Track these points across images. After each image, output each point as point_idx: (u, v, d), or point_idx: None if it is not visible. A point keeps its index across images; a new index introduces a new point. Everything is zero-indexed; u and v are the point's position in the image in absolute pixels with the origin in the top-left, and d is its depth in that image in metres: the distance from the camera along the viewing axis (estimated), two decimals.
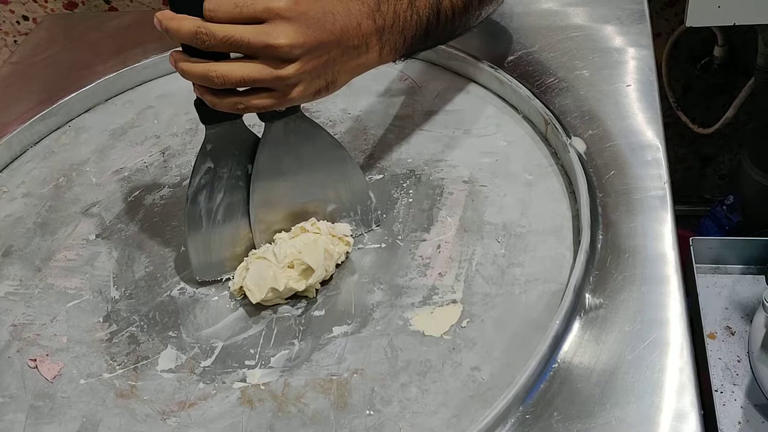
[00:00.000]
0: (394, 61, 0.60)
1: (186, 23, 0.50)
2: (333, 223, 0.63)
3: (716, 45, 1.34)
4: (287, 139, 0.59)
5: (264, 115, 0.57)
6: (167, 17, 0.50)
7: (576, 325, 0.53)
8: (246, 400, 0.53)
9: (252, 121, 0.58)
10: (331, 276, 0.60)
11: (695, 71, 1.42)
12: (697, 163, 1.61)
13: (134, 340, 0.59)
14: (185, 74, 0.52)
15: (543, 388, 0.50)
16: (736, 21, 1.01)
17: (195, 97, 0.55)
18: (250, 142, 0.59)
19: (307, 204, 0.62)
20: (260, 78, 0.51)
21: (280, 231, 0.62)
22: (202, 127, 0.80)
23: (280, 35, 0.49)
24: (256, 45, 0.49)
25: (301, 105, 0.58)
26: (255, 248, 0.62)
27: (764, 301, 0.72)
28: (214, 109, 0.54)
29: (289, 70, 0.51)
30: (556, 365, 0.51)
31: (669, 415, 0.48)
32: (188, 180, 0.59)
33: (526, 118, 0.72)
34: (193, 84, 0.53)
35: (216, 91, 0.52)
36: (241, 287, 0.59)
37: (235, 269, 0.61)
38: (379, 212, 0.65)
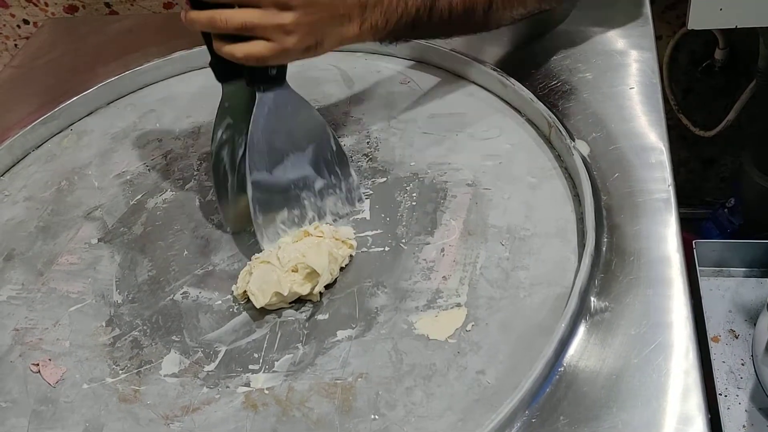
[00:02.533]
0: (379, 42, 0.63)
1: None
2: (321, 200, 0.64)
3: (717, 48, 1.34)
4: (278, 113, 0.61)
5: (257, 81, 0.60)
6: None
7: (581, 329, 0.53)
8: (250, 405, 0.53)
9: None
10: (335, 280, 0.60)
11: (696, 74, 1.42)
12: (698, 165, 1.61)
13: (137, 345, 0.58)
14: (193, 23, 0.56)
15: (549, 392, 0.50)
16: (738, 24, 1.01)
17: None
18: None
19: (297, 181, 0.63)
20: (260, 23, 0.55)
21: (278, 212, 0.63)
22: (204, 129, 0.81)
23: None
24: None
25: None
26: (258, 243, 0.62)
27: None
28: (219, 54, 0.57)
29: (287, 18, 0.55)
30: (562, 369, 0.51)
31: (675, 419, 0.48)
32: (211, 137, 0.63)
33: (529, 120, 0.72)
34: (204, 38, 0.59)
35: (220, 38, 0.57)
36: (245, 291, 0.59)
37: None
38: (361, 190, 0.67)
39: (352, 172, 0.66)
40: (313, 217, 0.64)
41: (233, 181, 0.64)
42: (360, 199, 0.67)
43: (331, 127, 0.76)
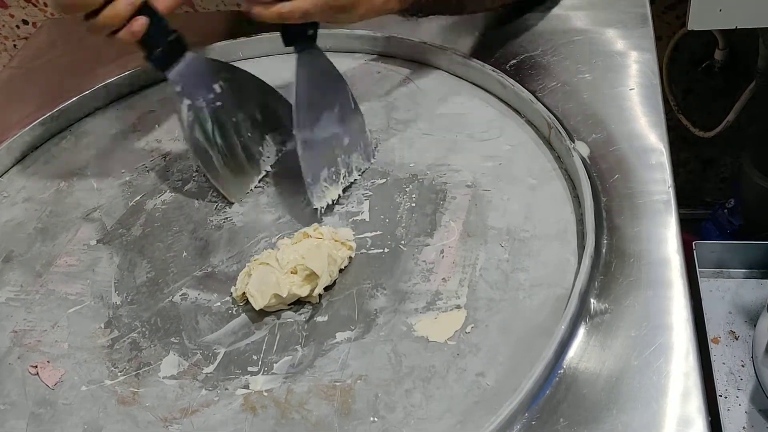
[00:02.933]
0: (405, 10, 0.66)
1: None
2: (348, 156, 0.66)
3: (717, 48, 1.34)
4: (314, 73, 0.64)
5: (297, 41, 0.63)
6: None
7: (581, 331, 0.53)
8: (249, 407, 0.53)
9: None
10: (334, 281, 0.60)
11: (696, 74, 1.42)
12: (698, 166, 1.61)
13: (136, 347, 0.58)
14: None
15: (549, 394, 0.50)
16: (738, 24, 1.01)
17: None
18: (208, 66, 0.65)
19: (332, 138, 0.65)
20: None
21: (321, 170, 0.65)
22: None
23: None
24: None
25: None
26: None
27: None
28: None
29: None
30: (562, 371, 0.51)
31: (675, 421, 0.48)
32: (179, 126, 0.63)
33: (529, 121, 0.72)
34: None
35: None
36: (244, 293, 0.59)
37: (259, 175, 0.67)
38: (374, 146, 0.70)
39: (367, 128, 0.69)
40: (345, 174, 0.67)
41: (216, 154, 0.66)
42: (373, 155, 0.70)
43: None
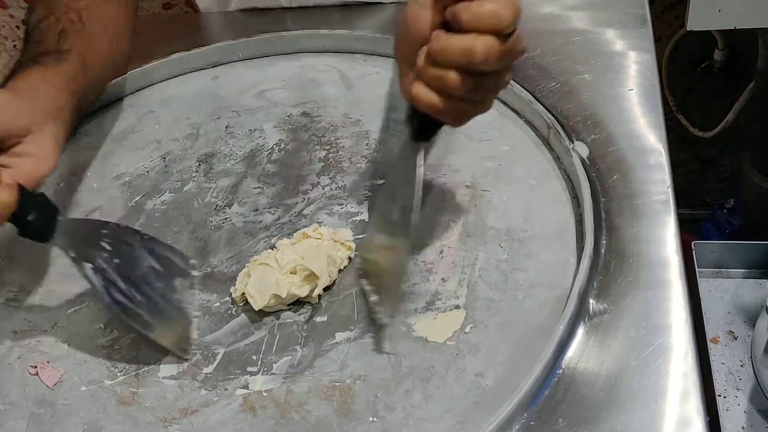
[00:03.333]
0: None
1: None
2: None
3: (716, 48, 1.35)
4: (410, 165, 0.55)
5: (430, 131, 0.55)
6: None
7: (580, 331, 0.53)
8: (248, 407, 0.53)
9: None
10: (334, 282, 0.60)
11: (696, 75, 1.42)
12: (697, 166, 1.61)
13: (135, 347, 0.58)
14: (483, 55, 0.48)
15: (548, 395, 0.50)
16: (737, 25, 1.01)
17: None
18: (84, 226, 0.60)
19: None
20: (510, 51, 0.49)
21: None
22: (203, 130, 0.81)
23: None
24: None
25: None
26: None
27: (767, 305, 0.72)
28: (438, 117, 0.52)
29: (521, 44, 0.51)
30: (561, 371, 0.51)
31: (674, 421, 0.48)
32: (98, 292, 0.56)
33: (528, 122, 0.72)
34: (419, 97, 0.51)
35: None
36: (243, 294, 0.59)
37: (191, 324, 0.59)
38: None
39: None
40: None
41: (144, 311, 0.56)
42: None
43: (330, 129, 0.76)
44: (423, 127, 0.54)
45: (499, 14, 0.47)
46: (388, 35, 0.83)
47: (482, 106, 0.54)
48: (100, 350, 0.58)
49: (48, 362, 0.58)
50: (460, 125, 0.54)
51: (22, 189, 0.53)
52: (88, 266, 0.55)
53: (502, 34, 0.48)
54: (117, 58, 0.76)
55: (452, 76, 0.49)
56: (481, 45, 0.47)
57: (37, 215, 0.54)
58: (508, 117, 0.74)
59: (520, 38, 0.50)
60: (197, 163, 0.75)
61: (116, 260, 0.57)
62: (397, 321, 0.56)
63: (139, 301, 0.56)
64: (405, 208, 0.55)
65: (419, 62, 0.51)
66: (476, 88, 0.50)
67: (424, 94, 0.51)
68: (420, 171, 0.54)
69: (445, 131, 0.72)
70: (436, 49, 0.49)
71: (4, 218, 0.52)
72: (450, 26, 0.49)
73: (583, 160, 0.65)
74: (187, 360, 0.57)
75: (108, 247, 0.57)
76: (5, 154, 0.56)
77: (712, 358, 0.81)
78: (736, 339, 0.84)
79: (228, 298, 0.61)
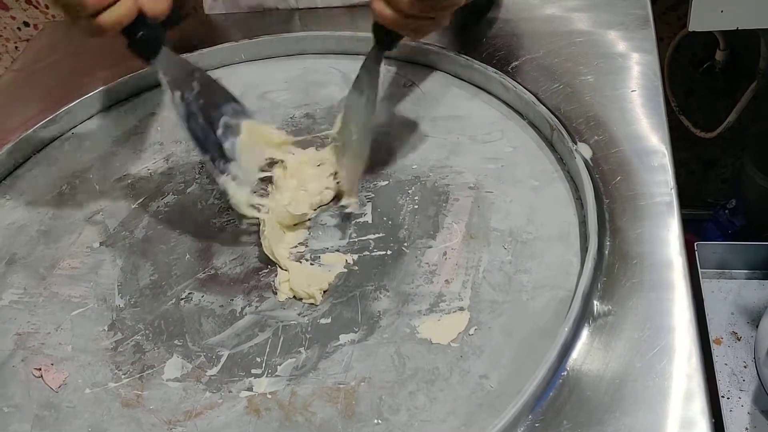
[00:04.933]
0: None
1: None
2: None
3: (718, 49, 1.35)
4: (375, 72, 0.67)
5: (390, 41, 0.64)
6: None
7: (584, 333, 0.53)
8: (253, 410, 0.53)
9: None
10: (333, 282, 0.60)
11: (697, 75, 1.42)
12: (699, 167, 1.61)
13: (139, 349, 0.58)
14: None
15: (552, 396, 0.50)
16: (739, 25, 1.01)
17: None
18: (182, 62, 0.64)
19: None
20: None
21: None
22: None
23: None
24: None
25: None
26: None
27: None
28: (396, 30, 0.61)
29: None
30: (565, 373, 0.51)
31: (679, 423, 0.48)
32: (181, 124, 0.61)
33: (531, 123, 0.72)
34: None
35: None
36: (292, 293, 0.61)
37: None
38: None
39: None
40: None
41: (213, 151, 0.63)
42: None
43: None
44: (385, 37, 0.63)
45: None
46: None
47: (437, 22, 0.60)
48: (104, 352, 0.58)
49: (52, 365, 0.58)
50: (419, 38, 0.62)
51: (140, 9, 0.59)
52: (177, 94, 0.61)
53: None
54: None
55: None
56: None
57: (146, 34, 0.60)
58: (511, 118, 0.74)
59: None
60: (200, 165, 0.75)
61: (201, 101, 0.62)
62: (401, 322, 0.56)
63: (212, 141, 0.62)
64: (368, 102, 0.66)
65: None
66: (427, 7, 0.57)
67: (382, 9, 0.59)
68: (380, 72, 0.66)
69: (446, 132, 0.73)
70: None
71: (123, 22, 0.57)
72: None
73: (586, 162, 0.65)
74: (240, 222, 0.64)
75: (197, 87, 0.63)
76: None
77: (715, 359, 0.81)
78: (739, 340, 0.84)
79: (231, 300, 0.61)
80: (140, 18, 0.59)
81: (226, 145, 0.63)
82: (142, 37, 0.60)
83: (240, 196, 0.63)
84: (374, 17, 0.61)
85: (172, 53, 0.62)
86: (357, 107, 0.67)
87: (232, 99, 0.66)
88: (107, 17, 0.56)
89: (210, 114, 0.63)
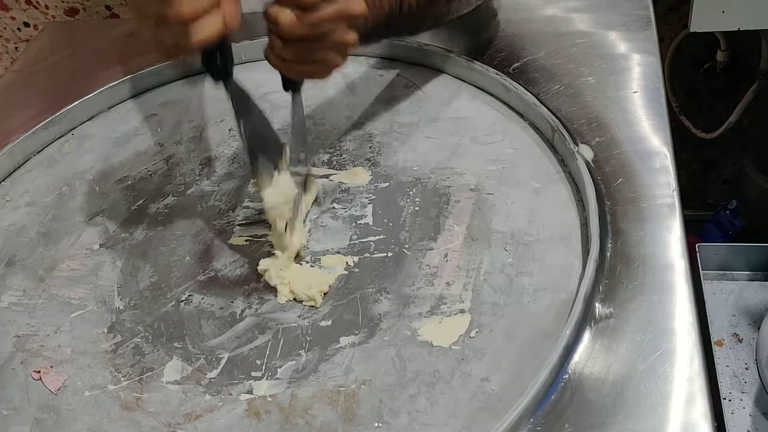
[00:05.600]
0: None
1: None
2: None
3: (719, 49, 1.34)
4: (299, 109, 0.66)
5: (295, 85, 0.64)
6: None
7: (586, 335, 0.53)
8: (253, 412, 0.52)
9: None
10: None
11: (698, 76, 1.42)
12: (700, 167, 1.61)
13: (139, 351, 0.58)
14: (287, 26, 0.54)
15: (554, 399, 0.50)
16: (740, 26, 1.01)
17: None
18: (243, 90, 0.63)
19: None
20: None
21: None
22: (206, 134, 0.81)
23: None
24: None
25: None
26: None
27: None
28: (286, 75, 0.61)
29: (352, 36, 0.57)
30: (567, 376, 0.51)
31: (681, 426, 0.47)
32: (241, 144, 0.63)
33: (532, 125, 0.72)
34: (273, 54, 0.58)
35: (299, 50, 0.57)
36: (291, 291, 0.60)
37: None
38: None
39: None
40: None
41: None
42: None
43: (333, 131, 0.76)
44: (285, 80, 0.63)
45: None
46: (392, 39, 0.83)
47: (323, 65, 0.59)
48: (103, 355, 0.58)
49: (51, 367, 0.58)
50: (313, 79, 0.61)
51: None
52: (241, 120, 0.62)
53: (301, 6, 0.53)
54: None
55: (275, 42, 0.56)
56: (283, 17, 0.53)
57: (225, 54, 0.58)
58: (512, 120, 0.73)
59: (345, 6, 0.54)
60: (200, 167, 0.75)
61: (249, 130, 0.62)
62: (401, 325, 0.56)
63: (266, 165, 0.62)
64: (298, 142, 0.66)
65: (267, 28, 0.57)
66: (300, 53, 0.57)
67: (267, 53, 0.58)
68: (300, 111, 0.66)
69: (447, 133, 0.73)
70: (264, 17, 0.55)
71: (209, 38, 0.52)
72: None
73: (588, 163, 0.65)
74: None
75: (256, 110, 0.63)
76: None
77: (717, 361, 0.81)
78: (740, 342, 0.84)
79: (231, 302, 0.60)
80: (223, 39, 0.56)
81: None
82: (221, 58, 0.57)
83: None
84: None
85: (238, 85, 0.62)
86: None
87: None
88: (203, 30, 0.51)
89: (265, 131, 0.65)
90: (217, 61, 0.58)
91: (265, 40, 0.59)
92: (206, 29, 0.52)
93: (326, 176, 0.71)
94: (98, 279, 0.65)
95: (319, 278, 0.60)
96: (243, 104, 0.62)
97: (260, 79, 0.85)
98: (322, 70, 0.60)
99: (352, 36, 0.57)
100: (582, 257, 0.59)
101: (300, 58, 0.57)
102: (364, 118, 0.77)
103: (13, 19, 1.43)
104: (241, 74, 0.86)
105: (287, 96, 0.83)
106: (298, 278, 0.60)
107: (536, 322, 0.55)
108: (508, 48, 0.83)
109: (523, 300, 0.57)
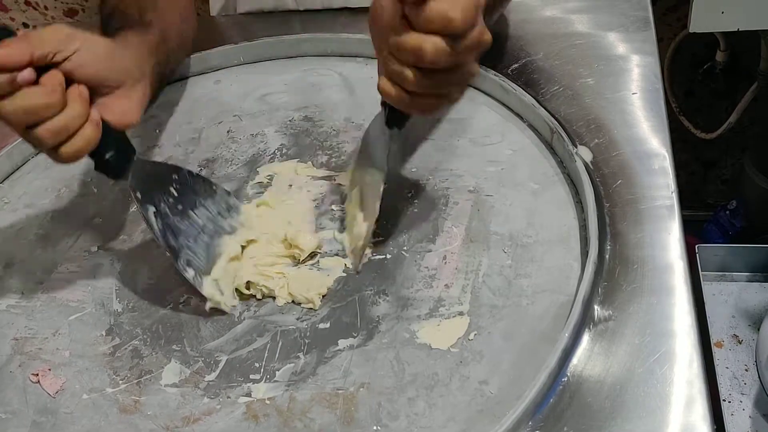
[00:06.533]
0: None
1: None
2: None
3: (718, 50, 1.34)
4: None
5: (396, 120, 0.58)
6: None
7: (585, 338, 0.53)
8: (251, 415, 0.52)
9: None
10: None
11: (697, 76, 1.42)
12: (699, 168, 1.61)
13: (137, 354, 0.58)
14: (433, 54, 0.48)
15: (553, 402, 0.50)
16: (740, 26, 1.01)
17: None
18: (157, 169, 0.61)
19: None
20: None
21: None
22: (205, 135, 0.80)
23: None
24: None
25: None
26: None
27: None
28: (402, 109, 0.54)
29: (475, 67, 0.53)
30: (566, 379, 0.51)
31: (680, 429, 0.47)
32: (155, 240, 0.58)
33: (531, 126, 0.72)
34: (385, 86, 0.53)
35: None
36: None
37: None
38: None
39: None
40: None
41: (195, 258, 0.59)
42: None
43: (332, 133, 0.76)
44: (392, 115, 0.57)
45: (448, 17, 0.47)
46: None
47: (448, 99, 0.55)
48: (101, 358, 0.58)
49: (49, 370, 0.58)
50: (430, 115, 0.57)
51: (104, 127, 0.55)
52: (151, 209, 0.57)
53: (452, 35, 0.48)
54: (186, 34, 0.80)
55: (408, 74, 0.50)
56: (430, 45, 0.48)
57: (114, 154, 0.55)
58: (510, 121, 0.73)
59: (481, 34, 0.50)
60: (199, 168, 0.75)
61: (179, 206, 0.59)
62: (400, 327, 0.56)
63: (193, 249, 0.59)
64: (372, 186, 0.60)
65: (383, 55, 0.52)
66: (436, 84, 0.51)
67: (388, 87, 0.52)
68: (387, 153, 0.59)
69: (445, 135, 0.73)
70: (392, 45, 0.50)
71: (85, 152, 0.53)
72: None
73: (586, 165, 0.65)
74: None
75: (175, 193, 0.59)
76: (96, 100, 0.57)
77: (716, 362, 0.81)
78: (740, 343, 0.84)
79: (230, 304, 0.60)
80: (105, 136, 0.54)
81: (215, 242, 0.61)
82: (110, 159, 0.55)
83: (218, 297, 0.60)
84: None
85: (143, 162, 0.58)
86: (368, 178, 0.62)
87: (222, 192, 0.63)
88: (67, 150, 0.52)
89: (192, 216, 0.60)
90: (105, 165, 0.55)
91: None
92: (75, 145, 0.52)
93: (325, 178, 0.70)
94: (96, 281, 0.65)
95: (317, 281, 0.60)
96: (154, 189, 0.58)
97: (259, 80, 0.86)
98: (444, 104, 0.56)
99: (477, 67, 0.53)
100: (581, 259, 0.58)
101: (436, 90, 0.52)
102: (362, 119, 0.77)
103: (13, 20, 1.43)
104: (241, 76, 0.87)
105: (286, 98, 0.84)
106: (297, 280, 0.60)
107: (535, 324, 0.55)
108: (506, 49, 0.82)
109: (521, 302, 0.56)
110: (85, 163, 0.77)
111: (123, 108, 0.56)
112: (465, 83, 0.54)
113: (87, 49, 0.54)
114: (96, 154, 0.55)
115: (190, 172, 0.62)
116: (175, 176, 0.60)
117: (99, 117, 0.55)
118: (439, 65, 0.49)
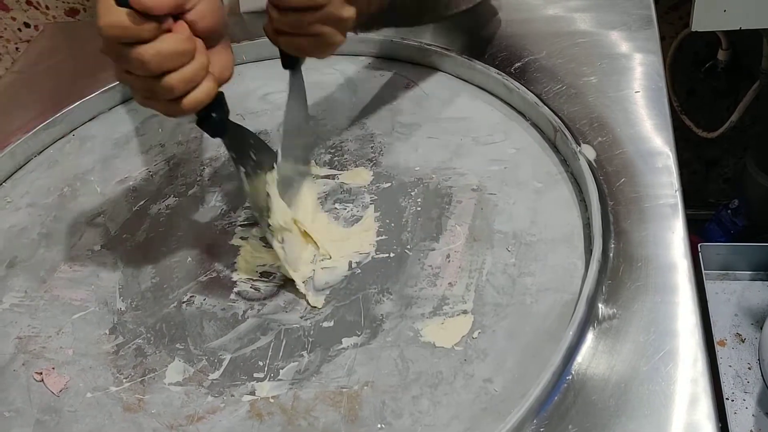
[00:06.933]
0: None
1: None
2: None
3: (720, 48, 1.34)
4: (297, 89, 0.65)
5: (294, 62, 0.63)
6: None
7: (589, 336, 0.53)
8: (255, 414, 0.52)
9: None
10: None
11: (699, 75, 1.42)
12: (701, 167, 1.61)
13: (141, 353, 0.58)
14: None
15: (557, 401, 0.49)
16: (742, 25, 1.01)
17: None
18: (242, 133, 0.61)
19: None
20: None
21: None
22: (207, 135, 0.80)
23: None
24: None
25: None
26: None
27: None
28: (286, 50, 0.60)
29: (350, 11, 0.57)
30: (570, 377, 0.51)
31: (685, 427, 0.47)
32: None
33: (534, 125, 0.72)
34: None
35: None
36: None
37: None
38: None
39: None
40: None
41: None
42: None
43: (335, 132, 0.76)
44: (283, 56, 0.62)
45: None
46: (393, 38, 0.83)
47: (324, 39, 0.58)
48: (105, 356, 0.58)
49: (53, 368, 0.58)
50: (313, 56, 0.60)
51: None
52: (242, 170, 0.59)
53: None
54: None
55: (273, 13, 0.56)
56: None
57: (219, 110, 0.56)
58: (513, 120, 0.73)
59: None
60: (201, 167, 0.75)
61: (258, 170, 0.61)
62: (404, 326, 0.56)
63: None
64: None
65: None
66: (297, 23, 0.56)
67: (266, 28, 0.58)
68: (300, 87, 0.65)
69: (448, 133, 0.73)
70: None
71: (204, 104, 0.52)
72: None
73: (590, 163, 0.65)
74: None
75: (254, 157, 0.61)
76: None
77: (719, 361, 0.81)
78: (743, 342, 0.84)
79: (232, 304, 0.60)
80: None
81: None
82: (215, 115, 0.55)
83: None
84: None
85: (233, 124, 0.59)
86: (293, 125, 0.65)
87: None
88: (189, 101, 0.51)
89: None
90: (211, 121, 0.55)
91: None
92: (197, 96, 0.51)
93: (328, 176, 0.70)
94: (100, 280, 0.65)
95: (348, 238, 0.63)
96: (242, 152, 0.60)
97: (261, 79, 0.86)
98: (320, 46, 0.58)
99: (348, 10, 0.56)
100: (585, 258, 0.58)
101: (296, 29, 0.57)
102: (365, 118, 0.77)
103: (14, 19, 1.43)
104: (242, 74, 0.87)
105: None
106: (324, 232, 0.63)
107: (539, 322, 0.55)
108: (509, 48, 0.82)
109: (525, 301, 0.56)
110: (86, 162, 0.78)
111: (224, 62, 0.55)
112: (336, 26, 0.57)
113: (207, 1, 0.53)
114: (204, 109, 0.54)
115: (260, 140, 0.63)
116: (251, 141, 0.61)
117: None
118: (291, 4, 0.55)
